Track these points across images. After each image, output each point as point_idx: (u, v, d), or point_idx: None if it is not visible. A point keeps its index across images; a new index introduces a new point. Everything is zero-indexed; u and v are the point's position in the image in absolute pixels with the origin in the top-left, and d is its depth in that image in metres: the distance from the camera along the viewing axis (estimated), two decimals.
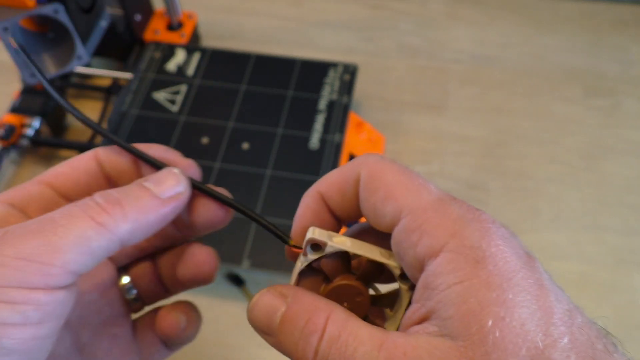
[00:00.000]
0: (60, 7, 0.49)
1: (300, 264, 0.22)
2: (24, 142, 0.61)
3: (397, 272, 0.22)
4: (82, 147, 0.63)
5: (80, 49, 0.52)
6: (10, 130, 0.60)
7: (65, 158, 0.64)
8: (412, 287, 0.21)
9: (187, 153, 0.26)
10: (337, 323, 0.20)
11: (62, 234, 0.19)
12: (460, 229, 0.19)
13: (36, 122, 0.62)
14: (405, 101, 0.69)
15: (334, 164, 0.56)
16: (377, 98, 0.70)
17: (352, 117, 0.61)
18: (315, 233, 0.22)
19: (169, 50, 0.66)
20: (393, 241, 0.21)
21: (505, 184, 0.62)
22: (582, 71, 0.72)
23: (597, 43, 0.75)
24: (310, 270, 0.23)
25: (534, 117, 0.68)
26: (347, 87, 0.62)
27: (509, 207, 0.60)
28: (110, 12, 0.64)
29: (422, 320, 0.19)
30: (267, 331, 0.21)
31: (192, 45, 0.69)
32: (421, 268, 0.19)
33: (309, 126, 0.59)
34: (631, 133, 0.66)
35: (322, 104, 0.61)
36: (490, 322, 0.17)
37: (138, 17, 0.68)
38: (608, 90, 0.70)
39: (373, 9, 0.80)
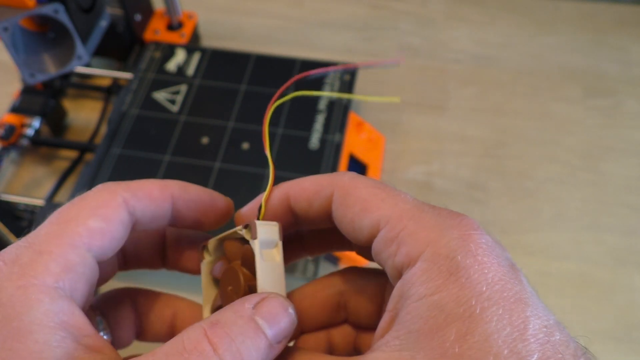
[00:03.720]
0: (60, 7, 0.49)
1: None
2: (24, 142, 0.61)
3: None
4: (82, 147, 0.63)
5: (80, 49, 0.52)
6: (10, 130, 0.60)
7: (65, 158, 0.64)
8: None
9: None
10: None
11: None
12: (437, 237, 0.18)
13: (36, 122, 0.62)
14: (405, 101, 0.69)
15: (334, 164, 0.56)
16: None
17: (352, 117, 0.61)
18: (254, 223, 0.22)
19: (169, 50, 0.66)
20: (373, 253, 0.20)
21: (505, 184, 0.62)
22: (582, 71, 0.72)
23: (597, 43, 0.75)
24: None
25: (534, 117, 0.68)
26: (347, 87, 0.62)
27: (509, 207, 0.60)
28: (110, 12, 0.64)
29: (389, 329, 0.18)
30: None
31: (192, 45, 0.69)
32: (400, 278, 0.19)
33: (309, 126, 0.59)
34: (631, 133, 0.66)
35: (322, 104, 0.61)
36: (452, 337, 0.17)
37: (138, 17, 0.68)
38: (608, 90, 0.70)
39: (373, 9, 0.80)
